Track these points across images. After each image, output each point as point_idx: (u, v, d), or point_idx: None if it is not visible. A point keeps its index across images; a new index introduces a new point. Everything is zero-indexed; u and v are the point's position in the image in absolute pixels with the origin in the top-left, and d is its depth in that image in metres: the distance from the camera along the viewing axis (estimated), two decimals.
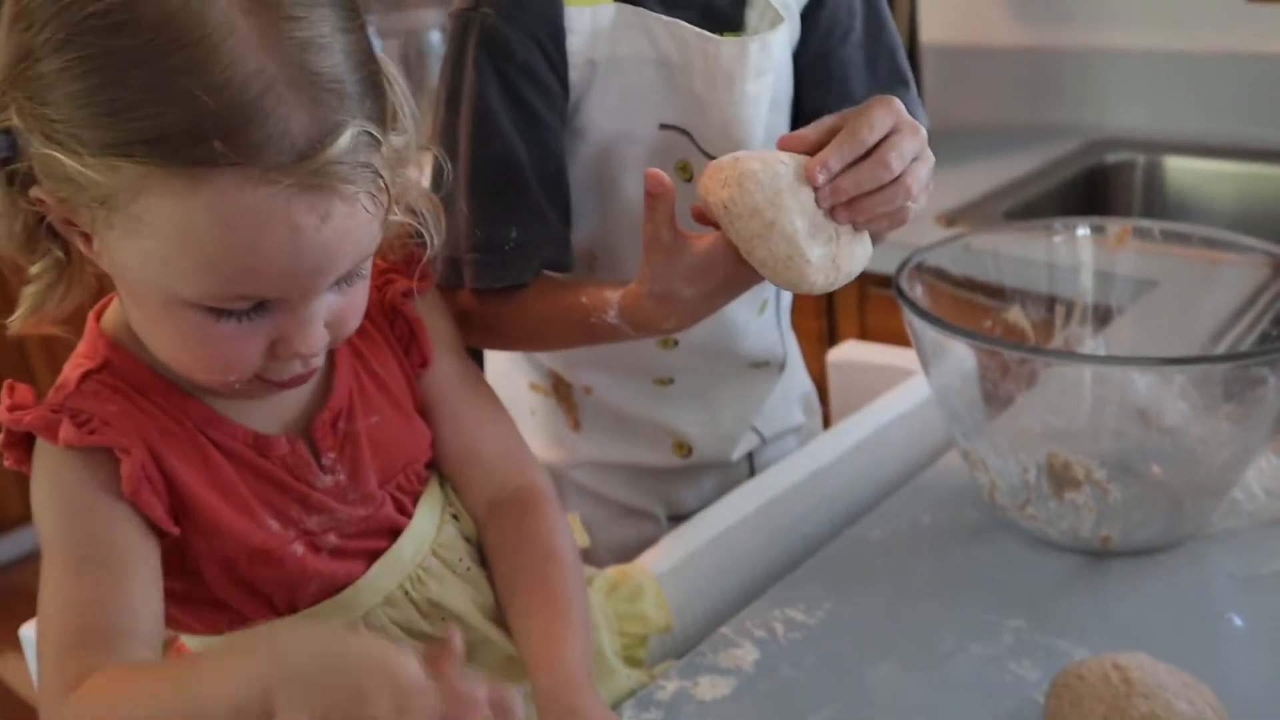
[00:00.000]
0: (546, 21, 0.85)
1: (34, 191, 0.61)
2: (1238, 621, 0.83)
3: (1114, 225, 1.03)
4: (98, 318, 0.71)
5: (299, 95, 0.57)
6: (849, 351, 1.27)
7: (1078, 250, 1.03)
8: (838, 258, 0.76)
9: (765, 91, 0.91)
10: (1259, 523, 0.93)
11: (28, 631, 0.88)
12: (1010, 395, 0.92)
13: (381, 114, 0.62)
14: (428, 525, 0.77)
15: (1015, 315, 1.05)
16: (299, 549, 0.71)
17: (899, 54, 1.00)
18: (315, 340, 0.64)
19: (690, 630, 0.89)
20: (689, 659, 0.82)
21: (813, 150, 0.75)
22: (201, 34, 0.55)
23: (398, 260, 0.77)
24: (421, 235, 0.74)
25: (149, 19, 0.55)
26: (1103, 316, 1.05)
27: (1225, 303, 1.04)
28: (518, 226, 0.87)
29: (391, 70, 0.66)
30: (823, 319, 1.79)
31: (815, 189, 0.74)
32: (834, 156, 0.73)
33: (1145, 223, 1.02)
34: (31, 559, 2.90)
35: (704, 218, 0.78)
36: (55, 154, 0.57)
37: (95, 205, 0.59)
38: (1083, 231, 1.02)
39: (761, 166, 0.74)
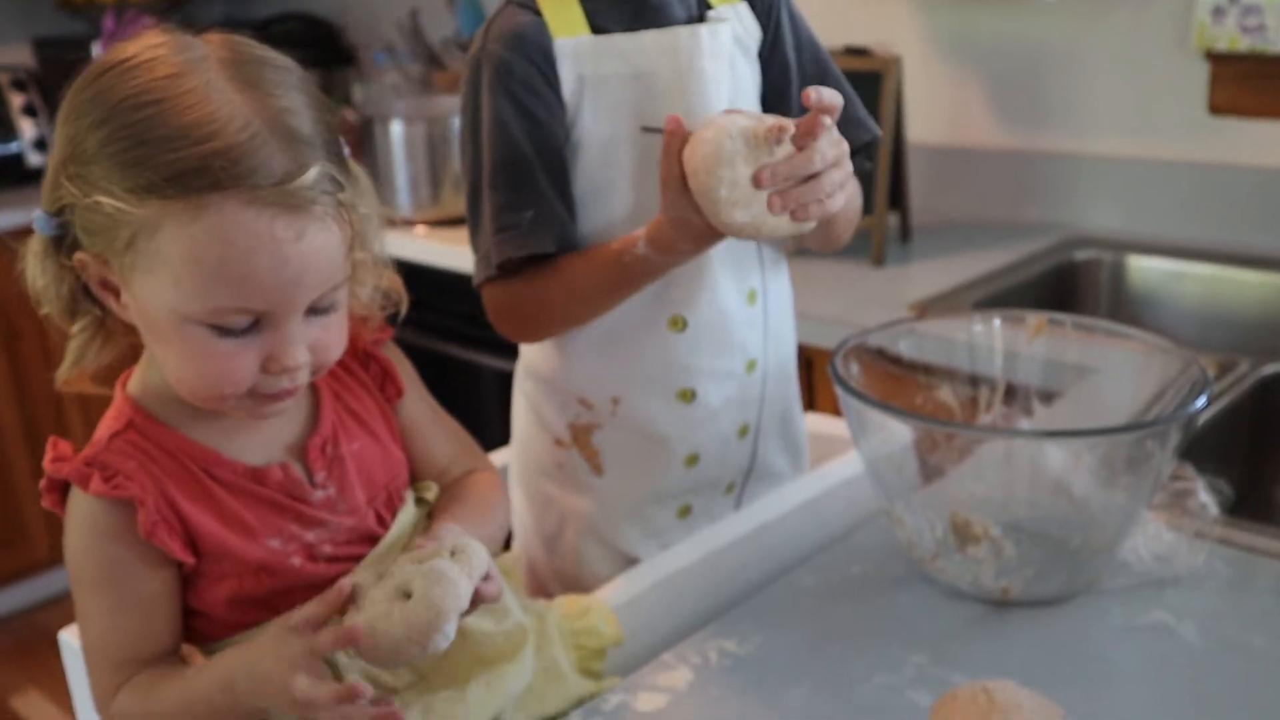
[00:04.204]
0: (539, 49, 1.08)
1: (77, 255, 0.78)
2: (1110, 663, 0.95)
3: (1032, 317, 1.17)
4: (124, 385, 0.87)
5: (278, 141, 0.75)
6: (809, 423, 1.41)
7: (997, 338, 1.17)
8: (761, 227, 0.96)
9: (722, 77, 1.12)
10: (1145, 582, 1.05)
11: (67, 636, 1.02)
12: (929, 463, 1.05)
13: (342, 170, 0.79)
14: (401, 533, 0.91)
15: (945, 394, 1.19)
16: (298, 561, 0.86)
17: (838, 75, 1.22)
18: (299, 356, 0.79)
19: (640, 657, 1.02)
20: (632, 677, 0.96)
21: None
22: (206, 103, 0.74)
23: (367, 319, 0.94)
24: (385, 304, 0.92)
25: (166, 97, 0.74)
26: (1022, 399, 1.19)
27: (1144, 390, 1.17)
28: (533, 208, 1.08)
29: (354, 165, 0.84)
30: (803, 393, 1.92)
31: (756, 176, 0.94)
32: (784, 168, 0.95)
33: (1059, 315, 1.16)
34: (56, 602, 3.03)
35: None
36: (98, 199, 0.74)
37: (123, 250, 0.75)
38: (997, 323, 1.16)
39: (713, 136, 0.95)
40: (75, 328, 0.84)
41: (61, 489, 0.84)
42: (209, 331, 0.77)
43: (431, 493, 0.96)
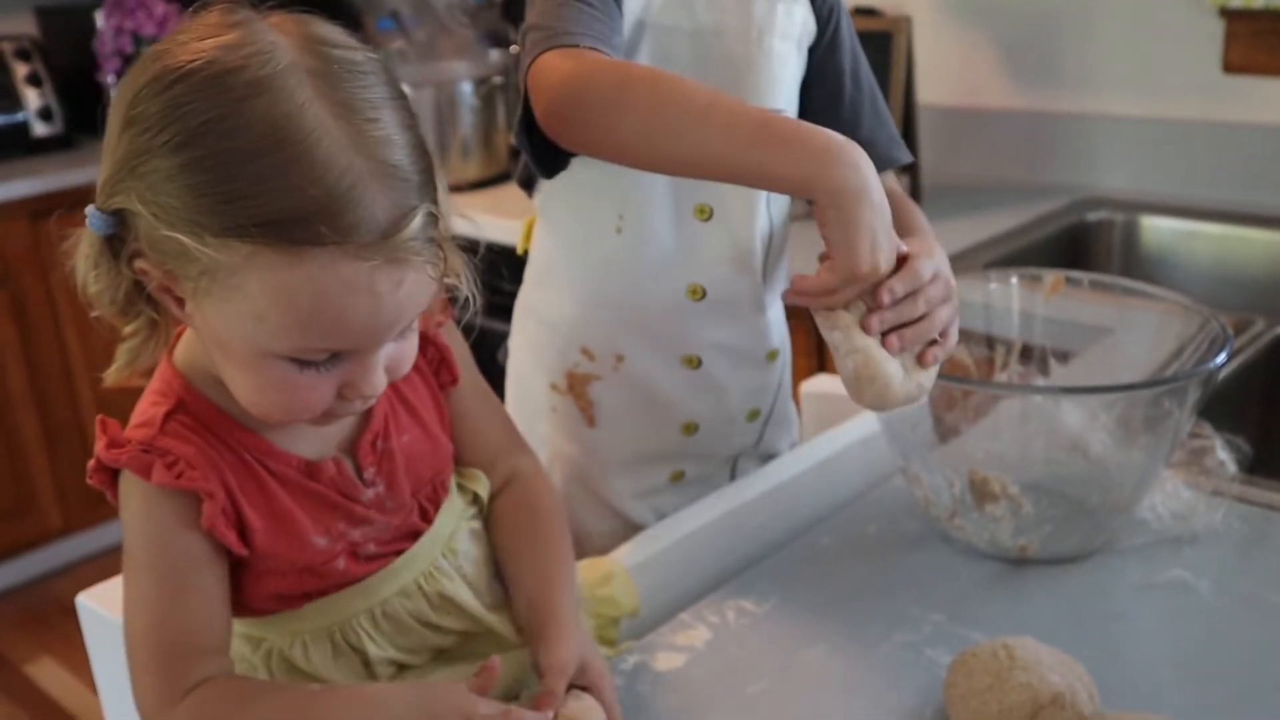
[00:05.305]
0: None
1: (139, 263, 0.72)
2: (1129, 620, 0.95)
3: (1049, 275, 1.16)
4: (169, 355, 0.81)
5: (380, 185, 0.68)
6: (820, 384, 1.40)
7: (1014, 297, 1.16)
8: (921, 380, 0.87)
9: (790, 57, 1.07)
10: (1163, 539, 1.05)
11: (85, 600, 1.02)
12: (944, 422, 1.05)
13: (434, 199, 0.73)
14: (444, 530, 0.89)
15: (960, 354, 1.18)
16: (342, 563, 0.83)
17: (875, 85, 1.16)
18: (377, 384, 0.75)
19: (657, 617, 1.02)
20: (650, 637, 0.96)
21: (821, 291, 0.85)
22: (302, 136, 0.66)
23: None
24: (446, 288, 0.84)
25: (257, 124, 0.66)
26: (1038, 359, 1.18)
27: (1161, 349, 1.16)
28: (615, 34, 0.96)
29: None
30: (814, 358, 1.92)
31: (875, 309, 0.84)
32: (898, 283, 0.84)
33: (1076, 274, 1.15)
34: (68, 571, 3.04)
35: None
36: (178, 236, 0.67)
37: (198, 276, 0.69)
38: (1014, 280, 1.15)
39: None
40: (127, 328, 0.77)
41: (111, 471, 0.78)
42: (289, 364, 0.72)
43: (480, 486, 0.93)
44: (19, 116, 3.09)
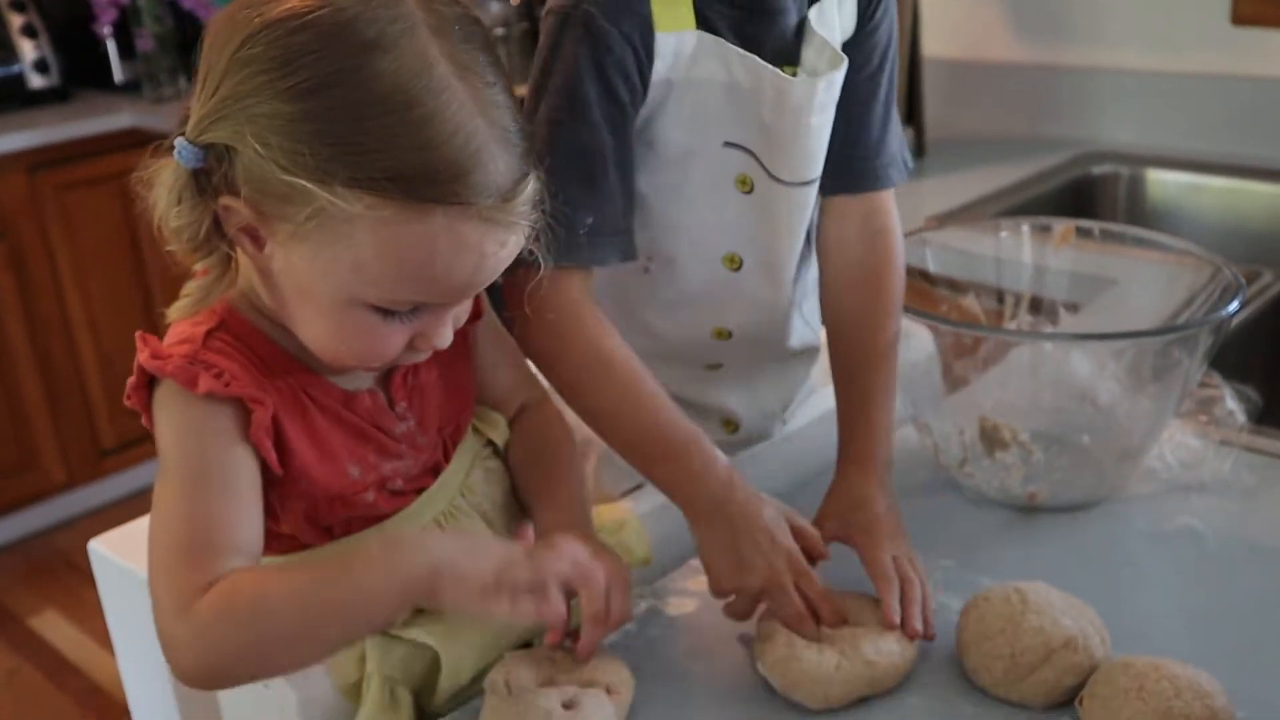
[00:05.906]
0: (640, 31, 0.92)
1: (224, 200, 0.71)
2: (1138, 567, 0.96)
3: (1059, 224, 1.15)
4: None
5: (500, 149, 0.70)
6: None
7: (1024, 248, 1.16)
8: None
9: (827, 125, 1.01)
10: (1171, 488, 1.05)
11: (96, 545, 1.02)
12: (954, 371, 1.05)
13: (532, 161, 0.75)
14: (461, 468, 0.89)
15: (970, 304, 1.18)
16: (371, 495, 0.83)
17: (894, 90, 1.10)
18: (448, 336, 0.77)
19: (669, 564, 1.02)
20: (662, 582, 0.96)
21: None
22: (432, 95, 0.67)
23: None
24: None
25: (388, 77, 0.67)
26: (1048, 310, 1.18)
27: (1172, 300, 1.16)
28: (595, 214, 0.93)
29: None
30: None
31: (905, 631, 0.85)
32: (892, 600, 0.86)
33: (1085, 223, 1.15)
34: (70, 525, 3.05)
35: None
36: (300, 181, 0.67)
37: (305, 220, 0.68)
38: (1025, 228, 1.15)
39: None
40: (199, 265, 0.77)
41: (148, 391, 0.76)
42: (373, 313, 0.73)
43: (497, 433, 0.93)
44: (15, 68, 3.06)
